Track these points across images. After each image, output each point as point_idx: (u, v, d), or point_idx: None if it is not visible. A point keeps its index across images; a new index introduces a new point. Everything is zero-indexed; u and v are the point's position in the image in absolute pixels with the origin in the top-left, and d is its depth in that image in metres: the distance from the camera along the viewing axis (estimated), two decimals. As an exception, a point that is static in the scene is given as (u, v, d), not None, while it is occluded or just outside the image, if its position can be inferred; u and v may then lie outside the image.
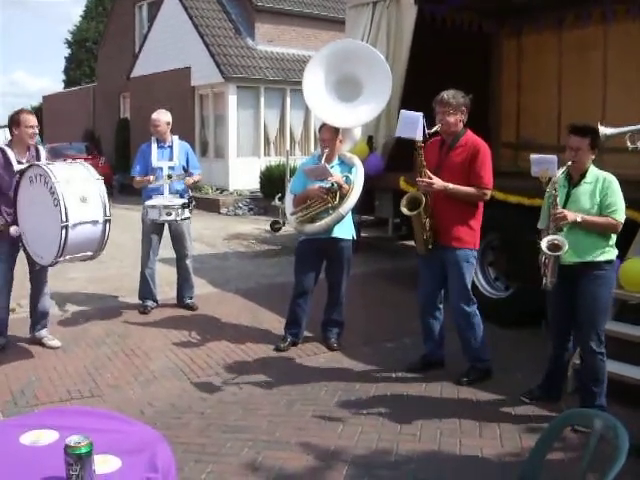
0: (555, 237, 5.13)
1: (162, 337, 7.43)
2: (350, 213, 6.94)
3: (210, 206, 19.45)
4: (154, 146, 8.29)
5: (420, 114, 5.95)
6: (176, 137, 8.46)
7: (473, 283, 6.37)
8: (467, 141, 6.06)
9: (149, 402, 5.78)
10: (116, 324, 7.91)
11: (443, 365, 6.47)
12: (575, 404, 5.39)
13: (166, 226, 8.38)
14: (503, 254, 8.00)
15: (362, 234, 11.58)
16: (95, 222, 6.11)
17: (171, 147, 8.39)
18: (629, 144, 4.42)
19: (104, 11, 41.42)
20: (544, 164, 5.42)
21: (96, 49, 35.93)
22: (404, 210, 6.07)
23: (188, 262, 8.61)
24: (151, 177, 8.13)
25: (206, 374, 6.41)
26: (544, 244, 5.15)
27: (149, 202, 8.02)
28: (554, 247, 5.12)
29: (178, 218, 8.04)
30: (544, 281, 5.29)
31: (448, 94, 6.02)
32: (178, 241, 8.48)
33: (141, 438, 2.85)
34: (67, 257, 6.04)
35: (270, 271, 10.82)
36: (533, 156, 5.60)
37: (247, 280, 10.31)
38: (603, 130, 4.49)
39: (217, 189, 21.25)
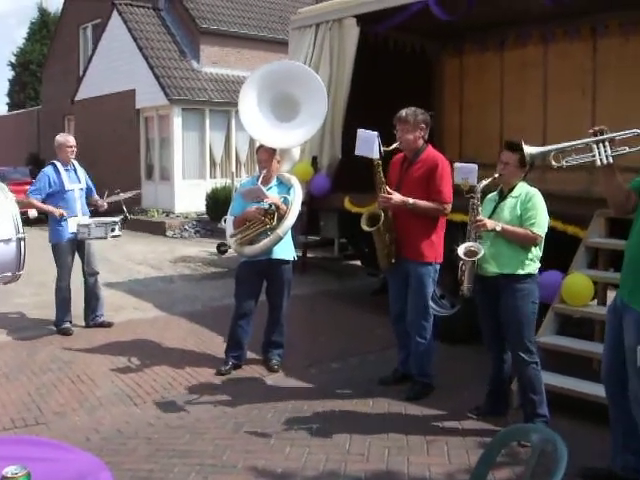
0: (472, 244, 5.30)
1: (108, 362, 7.33)
2: (290, 234, 6.95)
3: (156, 229, 19.33)
4: (62, 169, 8.33)
5: (375, 133, 6.04)
6: (75, 161, 8.59)
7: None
8: (427, 157, 6.19)
9: (95, 428, 5.69)
10: (61, 350, 7.78)
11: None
12: (521, 418, 5.46)
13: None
14: (448, 272, 8.05)
15: (308, 255, 11.63)
16: (7, 241, 6.07)
17: (75, 169, 8.52)
18: (554, 163, 4.46)
19: (48, 33, 41.02)
20: (465, 172, 5.55)
21: (40, 71, 35.56)
22: (364, 226, 6.16)
23: (99, 278, 8.77)
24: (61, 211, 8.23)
25: (152, 399, 6.35)
26: (461, 250, 5.30)
27: (85, 221, 8.20)
28: (470, 253, 5.28)
29: (121, 233, 8.31)
30: (461, 288, 5.43)
31: (407, 112, 6.16)
32: (91, 259, 8.61)
33: (83, 467, 2.81)
34: None
35: (216, 293, 10.77)
36: (457, 164, 5.75)
37: (193, 303, 10.25)
38: (527, 149, 4.55)
39: (163, 212, 21.10)
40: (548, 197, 5.49)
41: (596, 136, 4.26)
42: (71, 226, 8.22)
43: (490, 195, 5.63)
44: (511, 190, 5.41)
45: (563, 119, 9.76)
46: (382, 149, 6.03)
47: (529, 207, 5.27)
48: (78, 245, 8.42)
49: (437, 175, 6.07)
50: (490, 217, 5.37)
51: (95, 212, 8.70)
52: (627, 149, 4.24)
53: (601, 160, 4.22)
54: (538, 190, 5.39)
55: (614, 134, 4.26)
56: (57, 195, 8.27)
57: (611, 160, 4.23)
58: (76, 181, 8.45)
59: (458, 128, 11.66)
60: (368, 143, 6.05)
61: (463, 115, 11.64)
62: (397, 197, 6.05)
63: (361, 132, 6.16)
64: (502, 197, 5.47)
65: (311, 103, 7.21)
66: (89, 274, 8.61)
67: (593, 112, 9.70)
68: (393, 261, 6.27)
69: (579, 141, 4.35)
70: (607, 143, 4.23)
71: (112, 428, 5.70)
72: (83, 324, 8.67)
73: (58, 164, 8.36)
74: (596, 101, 9.76)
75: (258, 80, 7.29)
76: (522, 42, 10.63)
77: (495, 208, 5.46)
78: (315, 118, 7.27)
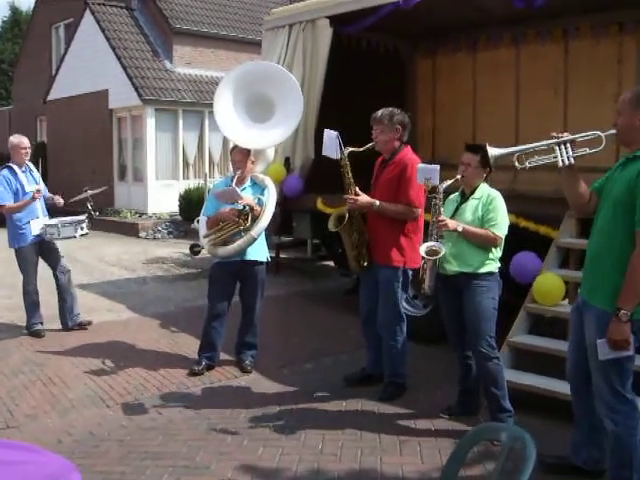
0: (433, 243, 5.36)
1: (80, 364, 7.29)
2: (264, 235, 6.95)
3: (129, 230, 19.24)
4: (19, 171, 8.28)
5: (335, 133, 6.03)
6: (29, 162, 8.55)
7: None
8: (400, 159, 6.11)
9: (67, 431, 5.66)
10: (33, 352, 7.73)
11: (383, 380, 6.45)
12: (492, 418, 5.50)
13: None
14: (419, 273, 8.08)
15: (281, 255, 11.63)
16: None
17: (30, 171, 8.49)
18: (517, 164, 4.51)
19: (20, 32, 40.74)
20: (427, 173, 5.59)
21: (12, 71, 35.26)
22: (330, 227, 6.16)
23: (70, 276, 8.63)
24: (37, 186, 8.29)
25: (125, 401, 6.32)
26: (423, 249, 5.38)
27: (51, 222, 8.21)
28: (432, 252, 5.35)
29: (88, 231, 8.32)
30: (422, 286, 5.52)
31: (383, 112, 6.12)
32: (57, 257, 8.50)
33: (54, 469, 2.79)
34: None
35: (189, 294, 10.75)
36: (419, 165, 5.79)
37: (166, 304, 10.22)
38: (491, 151, 4.59)
39: (136, 213, 20.98)
40: (520, 198, 5.55)
41: (558, 138, 4.34)
42: (34, 228, 8.17)
43: (452, 196, 5.69)
44: (473, 192, 5.48)
45: (535, 118, 9.85)
46: (344, 149, 6.01)
47: (490, 209, 5.35)
48: (41, 247, 8.35)
49: (406, 178, 6.00)
50: (452, 218, 5.43)
51: (53, 211, 8.63)
52: (587, 150, 4.35)
53: (563, 161, 4.31)
54: (511, 190, 5.45)
55: (575, 136, 4.35)
56: (16, 197, 8.18)
57: (572, 161, 4.32)
58: (33, 182, 8.39)
59: (431, 128, 11.70)
60: (330, 143, 6.07)
61: (436, 115, 11.69)
62: (364, 199, 6.03)
63: (326, 132, 6.18)
64: (464, 198, 5.54)
65: (286, 104, 7.20)
66: (60, 272, 8.49)
67: (565, 111, 9.80)
68: (365, 264, 6.25)
69: (541, 143, 4.43)
70: (569, 145, 4.31)
71: (84, 430, 5.67)
72: (59, 326, 8.57)
73: (14, 166, 8.28)
74: (567, 101, 9.85)
75: (233, 80, 7.28)
76: (494, 43, 10.71)
77: (457, 209, 5.52)
78: (290, 119, 7.26)
